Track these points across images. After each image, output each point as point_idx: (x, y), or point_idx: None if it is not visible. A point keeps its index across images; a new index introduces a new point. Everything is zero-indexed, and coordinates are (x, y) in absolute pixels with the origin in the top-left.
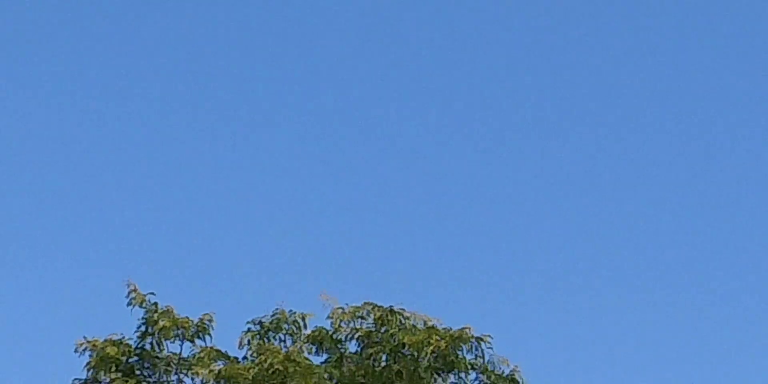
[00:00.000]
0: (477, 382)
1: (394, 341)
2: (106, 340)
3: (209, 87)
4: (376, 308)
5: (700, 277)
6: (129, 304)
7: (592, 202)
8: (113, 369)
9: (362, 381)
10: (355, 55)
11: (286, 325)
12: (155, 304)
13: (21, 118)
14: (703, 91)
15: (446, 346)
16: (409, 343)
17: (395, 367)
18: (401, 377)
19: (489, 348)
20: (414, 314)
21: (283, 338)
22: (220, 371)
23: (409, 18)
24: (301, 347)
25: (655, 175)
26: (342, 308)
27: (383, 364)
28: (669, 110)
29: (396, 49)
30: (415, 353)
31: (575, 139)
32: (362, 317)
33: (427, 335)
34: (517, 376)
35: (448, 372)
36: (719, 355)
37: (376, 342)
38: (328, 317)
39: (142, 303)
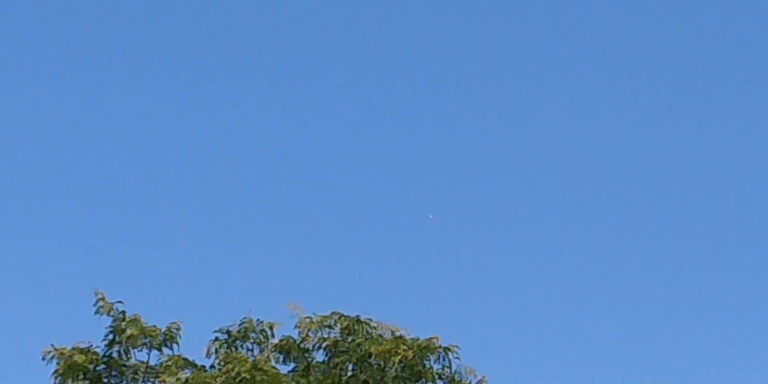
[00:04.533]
0: None
1: (361, 351)
2: (73, 348)
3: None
4: (344, 318)
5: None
6: (97, 312)
7: (558, 205)
8: (81, 377)
9: None
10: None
11: (253, 334)
12: (123, 312)
13: None
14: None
15: (413, 356)
16: (376, 352)
17: (362, 376)
18: None
19: (456, 358)
20: (381, 324)
21: (250, 347)
22: (187, 380)
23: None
24: (268, 356)
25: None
26: (309, 317)
27: (350, 373)
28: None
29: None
30: (382, 363)
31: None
32: (329, 327)
33: (394, 345)
34: None
35: (415, 382)
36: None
37: (343, 351)
38: (296, 326)
39: (109, 311)
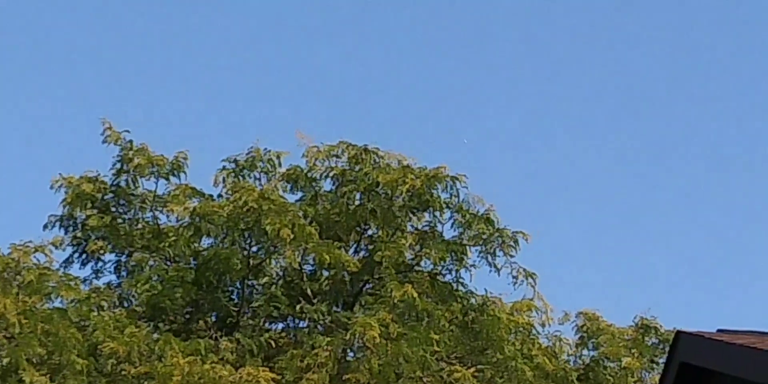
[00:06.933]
0: (452, 220)
1: (369, 180)
2: (81, 177)
3: None
4: (351, 147)
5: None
6: (104, 141)
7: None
8: (89, 205)
9: (336, 219)
10: None
11: (261, 164)
12: (130, 141)
13: None
14: None
15: (421, 185)
16: (384, 181)
17: (369, 205)
18: (375, 216)
19: (464, 187)
20: (389, 153)
21: (258, 176)
22: (194, 208)
23: None
24: (275, 185)
25: None
26: (317, 147)
27: (357, 202)
28: None
29: None
30: (389, 192)
31: None
32: (337, 156)
33: (401, 174)
34: (491, 215)
35: (423, 211)
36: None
37: (351, 181)
38: (303, 156)
39: (117, 141)
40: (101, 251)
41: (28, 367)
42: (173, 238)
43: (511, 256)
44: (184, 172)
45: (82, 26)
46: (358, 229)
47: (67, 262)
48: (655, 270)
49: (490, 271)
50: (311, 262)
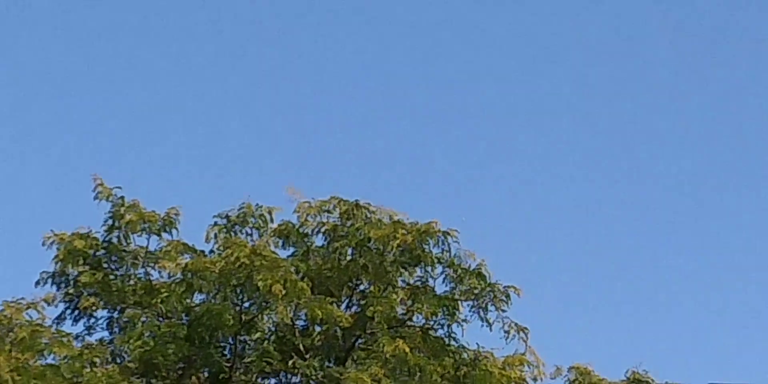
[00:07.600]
0: (443, 275)
1: (360, 235)
2: (73, 234)
3: None
4: (342, 202)
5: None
6: (96, 198)
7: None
8: (81, 262)
9: (328, 275)
10: None
11: (252, 219)
12: (122, 198)
13: None
14: None
15: (412, 240)
16: (375, 237)
17: (361, 260)
18: (367, 271)
19: (455, 242)
20: (380, 208)
21: (249, 232)
22: (186, 265)
23: None
24: (267, 241)
25: None
26: (308, 202)
27: (349, 257)
28: None
29: None
30: (381, 247)
31: None
32: (328, 211)
33: (392, 229)
34: (483, 270)
35: (414, 266)
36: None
37: (342, 236)
38: (295, 211)
39: (108, 197)
40: (93, 307)
41: None
42: (165, 294)
43: (503, 311)
44: (176, 229)
45: (69, 81)
46: (349, 284)
47: (60, 318)
48: (648, 323)
49: (482, 325)
50: (303, 317)
